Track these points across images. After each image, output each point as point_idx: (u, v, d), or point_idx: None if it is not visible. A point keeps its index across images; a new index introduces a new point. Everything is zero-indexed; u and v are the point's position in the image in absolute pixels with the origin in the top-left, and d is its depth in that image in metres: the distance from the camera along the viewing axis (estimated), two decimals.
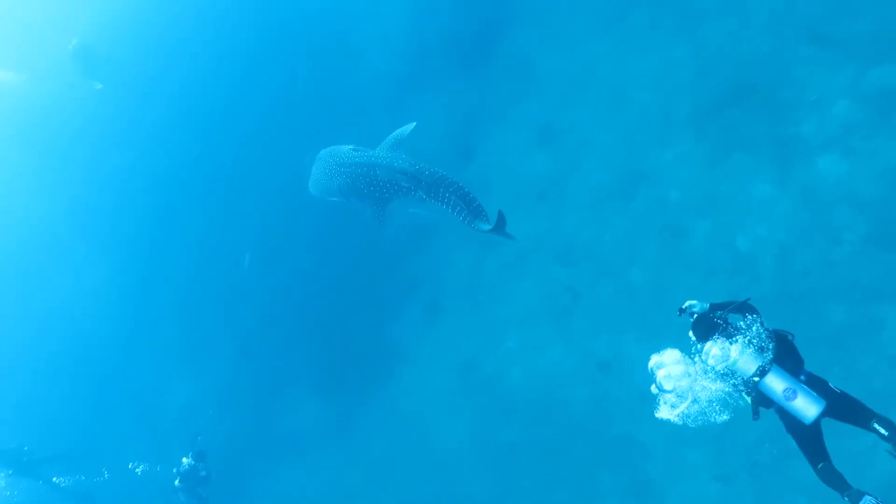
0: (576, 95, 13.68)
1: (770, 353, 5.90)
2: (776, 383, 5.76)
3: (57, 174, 16.52)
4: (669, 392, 6.04)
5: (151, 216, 16.02)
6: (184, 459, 12.48)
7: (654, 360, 6.24)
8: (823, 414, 5.69)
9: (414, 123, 10.05)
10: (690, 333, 6.38)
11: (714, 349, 6.03)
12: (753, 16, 12.61)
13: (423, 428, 13.98)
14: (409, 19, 15.19)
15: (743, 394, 6.01)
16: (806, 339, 6.21)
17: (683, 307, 6.65)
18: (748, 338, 5.99)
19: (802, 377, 5.89)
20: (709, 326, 6.23)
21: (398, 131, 10.07)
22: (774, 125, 11.72)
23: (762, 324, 6.13)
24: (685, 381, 6.01)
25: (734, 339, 6.01)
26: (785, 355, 5.98)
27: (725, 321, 6.27)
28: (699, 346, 6.22)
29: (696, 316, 6.48)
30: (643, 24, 13.44)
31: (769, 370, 5.79)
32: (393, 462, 14.10)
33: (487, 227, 8.95)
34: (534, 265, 13.41)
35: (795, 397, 5.70)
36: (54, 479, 14.31)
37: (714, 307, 6.53)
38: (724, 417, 6.03)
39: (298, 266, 14.66)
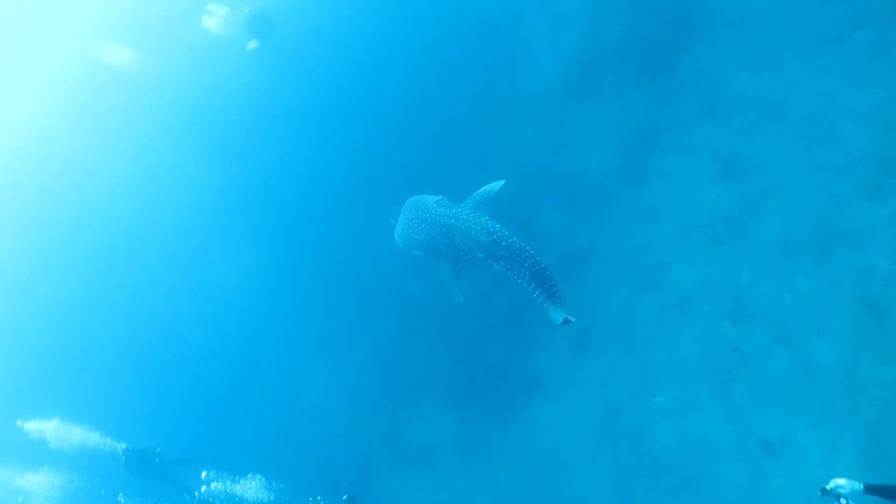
0: (770, 125, 11.85)
1: None
2: None
3: (214, 159, 16.72)
4: None
5: (300, 210, 15.88)
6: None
7: None
8: None
9: (502, 181, 9.36)
10: None
11: None
12: None
13: (558, 465, 13.19)
14: (584, 20, 13.77)
15: None
16: None
17: (828, 488, 5.37)
18: None
19: None
20: None
21: (484, 189, 9.37)
22: None
23: None
24: None
25: None
26: None
27: None
28: None
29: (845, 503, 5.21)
30: (865, 47, 11.30)
31: None
32: (522, 491, 13.45)
33: (558, 319, 8.01)
34: (698, 314, 12.00)
35: None
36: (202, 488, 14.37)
37: (870, 490, 5.23)
38: None
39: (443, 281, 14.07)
